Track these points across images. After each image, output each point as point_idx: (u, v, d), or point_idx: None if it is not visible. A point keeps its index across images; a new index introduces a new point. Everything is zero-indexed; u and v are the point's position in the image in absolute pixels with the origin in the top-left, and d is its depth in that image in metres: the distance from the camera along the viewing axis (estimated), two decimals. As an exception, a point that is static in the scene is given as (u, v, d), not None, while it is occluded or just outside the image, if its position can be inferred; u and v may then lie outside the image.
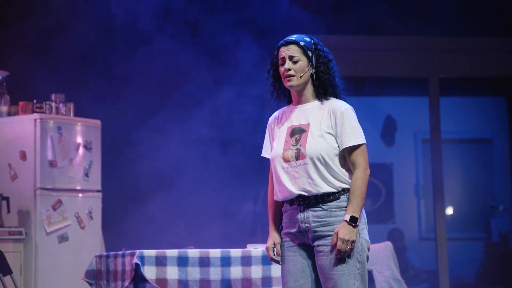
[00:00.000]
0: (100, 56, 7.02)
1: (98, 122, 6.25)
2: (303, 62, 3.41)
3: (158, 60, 7.08)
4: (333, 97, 3.44)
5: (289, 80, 3.41)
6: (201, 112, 7.19)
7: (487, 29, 8.05)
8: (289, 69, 3.40)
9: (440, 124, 8.26)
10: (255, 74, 6.68)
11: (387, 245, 5.54)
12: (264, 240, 4.09)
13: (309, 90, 3.45)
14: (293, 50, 3.41)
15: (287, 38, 3.44)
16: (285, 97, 3.53)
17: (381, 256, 5.41)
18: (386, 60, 8.15)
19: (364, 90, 8.28)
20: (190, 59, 7.13)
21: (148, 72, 7.15)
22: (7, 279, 4.82)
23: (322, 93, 3.43)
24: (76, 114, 6.22)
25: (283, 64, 3.42)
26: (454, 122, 9.16)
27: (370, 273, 5.36)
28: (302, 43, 3.41)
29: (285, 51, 3.41)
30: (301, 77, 3.41)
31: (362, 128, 3.43)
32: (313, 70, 3.43)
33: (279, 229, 3.49)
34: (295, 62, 3.41)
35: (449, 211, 9.32)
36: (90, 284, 4.64)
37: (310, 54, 3.41)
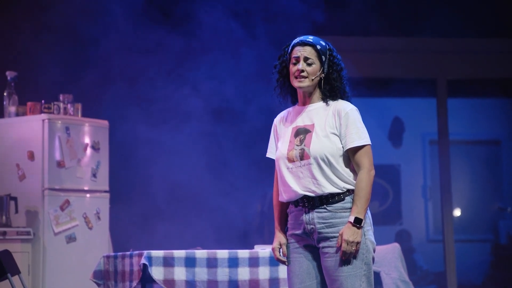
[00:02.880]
0: (107, 57, 7.03)
1: (105, 123, 6.26)
2: (316, 65, 3.41)
3: (166, 59, 7.09)
4: (339, 99, 3.44)
5: (300, 81, 3.41)
6: (210, 111, 7.20)
7: (496, 31, 8.04)
8: (303, 71, 3.40)
9: (448, 126, 8.24)
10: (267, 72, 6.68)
11: (395, 247, 5.53)
12: (271, 241, 4.08)
13: (316, 92, 3.45)
14: (309, 52, 3.40)
15: (304, 39, 3.42)
16: (289, 94, 3.52)
17: (389, 258, 5.40)
18: (394, 62, 8.14)
19: (371, 91, 8.27)
20: (198, 55, 7.15)
21: (155, 73, 7.16)
22: (15, 279, 4.83)
23: (328, 96, 3.43)
24: (83, 115, 6.23)
25: (295, 64, 3.42)
26: (462, 124, 9.14)
27: (378, 274, 5.36)
28: (318, 47, 3.40)
29: (300, 51, 3.41)
30: (312, 80, 3.41)
31: (369, 129, 3.42)
32: (323, 74, 3.43)
33: (284, 230, 3.49)
34: (309, 65, 3.40)
35: (457, 212, 9.30)
36: (98, 285, 4.64)
37: (324, 59, 3.41)
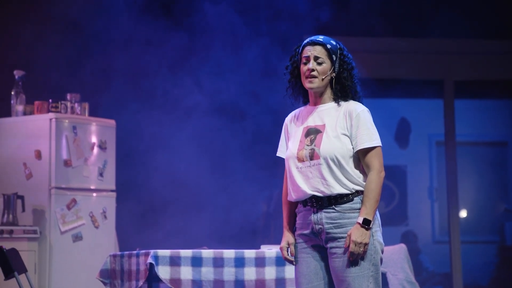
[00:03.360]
0: (115, 56, 7.05)
1: (112, 122, 6.27)
2: (326, 65, 3.41)
3: (172, 57, 7.10)
4: (350, 100, 3.45)
5: (310, 82, 3.41)
6: (218, 111, 7.21)
7: (503, 32, 8.02)
8: (313, 70, 3.40)
9: (455, 127, 8.22)
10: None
11: (401, 248, 5.53)
12: (277, 241, 4.08)
13: (328, 92, 3.45)
14: (319, 51, 3.40)
15: (314, 38, 3.43)
16: (300, 95, 3.53)
17: (395, 259, 5.39)
18: (401, 62, 8.13)
19: (378, 92, 8.26)
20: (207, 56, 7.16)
21: (162, 72, 7.17)
22: (22, 277, 4.84)
23: (340, 96, 3.43)
24: (91, 114, 6.25)
25: (306, 63, 3.42)
26: (469, 125, 9.12)
27: (384, 275, 5.35)
28: (328, 46, 3.41)
29: (310, 51, 3.41)
30: (322, 79, 3.41)
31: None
32: (334, 74, 3.43)
33: (293, 229, 3.49)
34: (319, 64, 3.40)
35: (463, 214, 9.28)
36: (105, 284, 4.65)
37: (334, 58, 3.41)
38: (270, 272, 4.44)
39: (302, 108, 3.53)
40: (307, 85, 3.42)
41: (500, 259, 9.12)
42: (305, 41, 3.45)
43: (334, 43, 3.44)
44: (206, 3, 7.07)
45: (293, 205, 3.49)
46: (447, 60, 8.23)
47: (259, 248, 4.77)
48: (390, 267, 5.38)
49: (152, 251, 4.28)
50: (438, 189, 9.46)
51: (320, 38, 3.43)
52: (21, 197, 5.89)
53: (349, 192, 3.32)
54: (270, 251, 4.51)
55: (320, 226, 3.34)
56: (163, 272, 4.25)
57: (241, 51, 7.11)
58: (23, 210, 5.88)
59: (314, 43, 3.42)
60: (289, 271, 4.44)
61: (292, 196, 3.42)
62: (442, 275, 8.73)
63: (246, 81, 7.17)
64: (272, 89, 6.95)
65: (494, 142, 9.87)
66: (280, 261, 4.44)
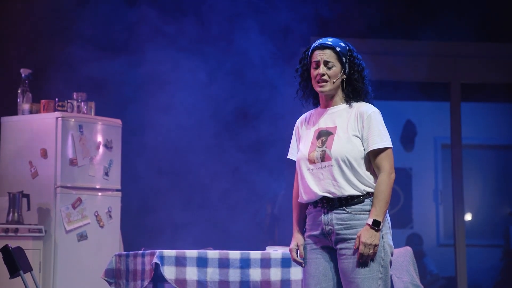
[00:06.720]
0: (121, 55, 7.04)
1: (118, 121, 6.28)
2: (337, 68, 3.41)
3: (181, 59, 7.10)
4: (362, 101, 3.44)
5: (321, 86, 3.40)
6: (222, 113, 7.20)
7: (510, 35, 8.00)
8: (323, 74, 3.39)
9: (461, 130, 8.21)
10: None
11: (407, 250, 5.50)
12: (283, 243, 4.07)
13: (339, 94, 3.45)
14: (328, 55, 3.40)
15: (323, 42, 3.42)
16: (311, 97, 3.52)
17: (400, 261, 5.37)
18: (408, 65, 8.12)
19: (384, 94, 8.25)
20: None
21: (169, 72, 7.17)
22: (27, 276, 4.83)
23: (351, 98, 3.43)
24: (97, 113, 6.25)
25: (316, 68, 3.41)
26: (475, 128, 9.10)
27: (389, 278, 5.32)
28: (338, 49, 3.40)
29: (320, 55, 3.40)
30: (333, 83, 3.41)
31: (384, 132, 3.42)
32: (345, 76, 3.42)
33: (303, 231, 3.48)
34: (329, 68, 3.40)
35: (468, 217, 9.26)
36: (109, 283, 4.65)
37: (344, 60, 3.41)
38: (275, 273, 4.44)
39: (313, 110, 3.54)
40: (318, 89, 3.42)
41: (505, 263, 9.10)
42: (314, 45, 3.45)
43: (343, 45, 3.43)
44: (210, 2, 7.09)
45: (303, 207, 3.49)
46: (454, 63, 8.21)
47: (264, 249, 4.76)
48: (395, 270, 5.35)
49: (157, 251, 4.27)
50: (443, 192, 9.44)
51: (329, 41, 3.42)
52: (27, 196, 5.89)
53: (360, 193, 3.32)
54: (275, 252, 4.50)
55: (330, 227, 3.34)
56: (169, 272, 4.25)
57: (253, 51, 7.10)
58: (29, 208, 5.89)
59: (323, 47, 3.41)
60: (295, 272, 4.44)
61: (303, 198, 3.42)
62: (446, 279, 8.72)
63: (253, 83, 7.16)
64: (278, 89, 6.95)
65: (500, 146, 9.84)
66: (286, 263, 4.43)
